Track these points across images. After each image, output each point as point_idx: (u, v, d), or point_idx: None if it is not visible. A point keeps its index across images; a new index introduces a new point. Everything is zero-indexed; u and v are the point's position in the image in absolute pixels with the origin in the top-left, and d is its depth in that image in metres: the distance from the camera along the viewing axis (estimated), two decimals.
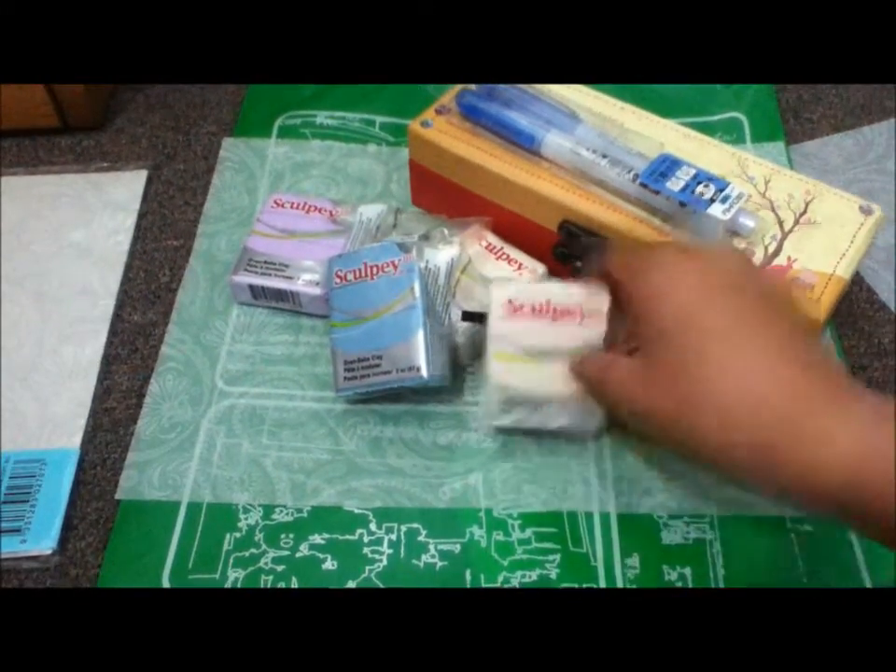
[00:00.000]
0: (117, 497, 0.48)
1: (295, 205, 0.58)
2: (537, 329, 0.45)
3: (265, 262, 0.54)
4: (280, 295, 0.54)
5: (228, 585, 0.45)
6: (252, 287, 0.54)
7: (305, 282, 0.53)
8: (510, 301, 0.45)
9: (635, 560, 0.46)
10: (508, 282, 0.47)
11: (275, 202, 0.58)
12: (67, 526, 0.47)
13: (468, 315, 0.50)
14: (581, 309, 0.45)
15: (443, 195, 0.56)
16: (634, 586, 0.45)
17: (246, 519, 0.47)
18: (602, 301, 0.45)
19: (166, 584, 0.45)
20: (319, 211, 0.57)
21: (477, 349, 0.53)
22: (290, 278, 0.54)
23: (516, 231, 0.54)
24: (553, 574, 0.45)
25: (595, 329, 0.45)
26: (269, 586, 0.45)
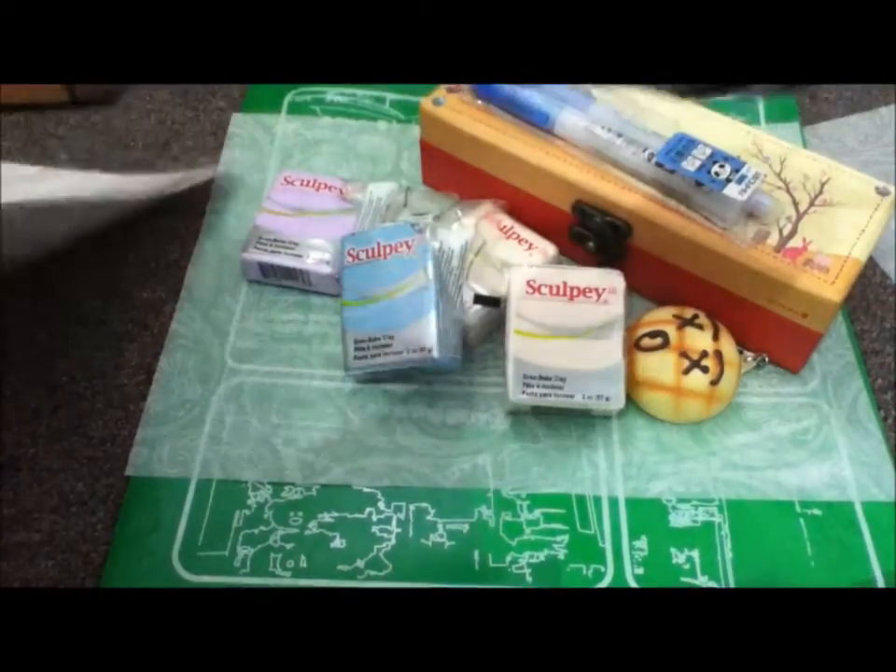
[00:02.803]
0: (126, 473, 0.48)
1: (305, 183, 0.57)
2: (555, 307, 0.48)
3: (275, 240, 0.54)
4: (290, 273, 0.54)
5: (237, 563, 0.45)
6: (262, 265, 0.54)
7: (315, 260, 0.53)
8: (529, 283, 0.48)
9: (643, 542, 0.46)
10: (527, 267, 0.49)
11: (285, 179, 0.57)
12: (77, 502, 0.47)
13: (481, 299, 0.50)
14: (598, 289, 0.48)
15: (455, 174, 0.56)
16: (641, 569, 0.45)
17: (255, 497, 0.47)
18: (617, 281, 0.48)
19: (176, 561, 0.45)
20: (329, 189, 0.57)
21: (488, 331, 0.53)
22: (300, 256, 0.53)
23: (528, 210, 0.53)
24: (562, 555, 0.45)
25: (612, 308, 0.47)
26: (278, 564, 0.45)
